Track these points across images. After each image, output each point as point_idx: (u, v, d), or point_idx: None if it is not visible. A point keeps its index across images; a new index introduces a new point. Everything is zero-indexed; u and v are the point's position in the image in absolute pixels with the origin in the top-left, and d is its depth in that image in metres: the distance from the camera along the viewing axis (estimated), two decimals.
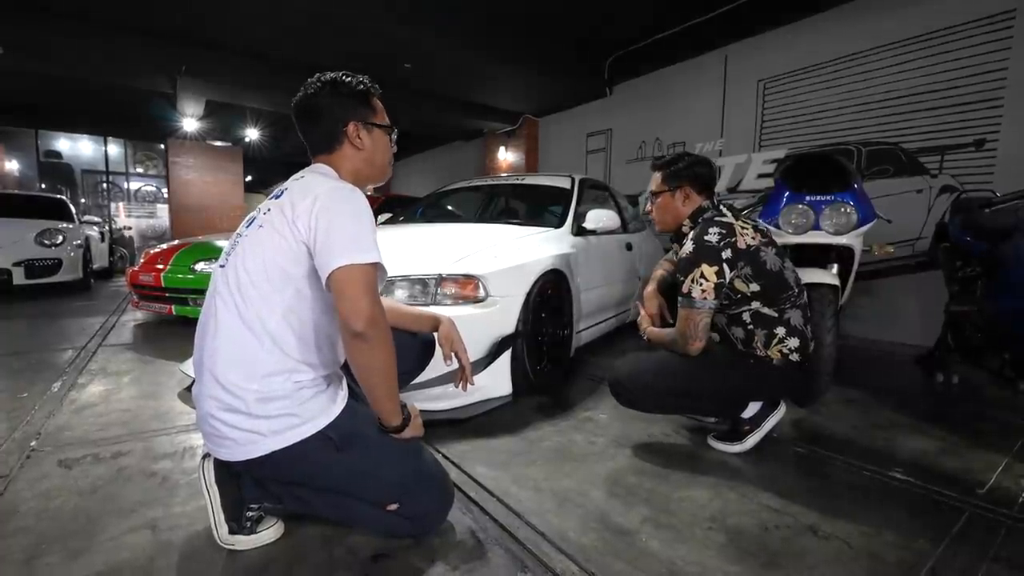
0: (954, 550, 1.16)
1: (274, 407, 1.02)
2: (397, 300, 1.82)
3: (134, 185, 10.43)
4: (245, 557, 1.09)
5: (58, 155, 9.84)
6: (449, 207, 3.73)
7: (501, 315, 1.95)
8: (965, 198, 3.05)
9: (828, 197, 2.15)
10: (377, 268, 1.02)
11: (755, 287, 1.55)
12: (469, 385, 1.43)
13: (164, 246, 3.87)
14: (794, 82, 4.14)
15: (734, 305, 1.60)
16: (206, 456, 1.13)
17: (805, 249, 2.23)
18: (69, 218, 5.81)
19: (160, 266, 3.50)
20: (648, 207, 1.83)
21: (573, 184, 3.08)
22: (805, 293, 1.67)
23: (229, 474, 1.12)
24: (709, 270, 1.52)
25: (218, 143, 9.24)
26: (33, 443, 1.66)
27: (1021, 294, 2.16)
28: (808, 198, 2.18)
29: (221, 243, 3.73)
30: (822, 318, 1.95)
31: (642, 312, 1.89)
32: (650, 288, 1.95)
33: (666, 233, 1.82)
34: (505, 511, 1.30)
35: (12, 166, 9.35)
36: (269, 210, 1.08)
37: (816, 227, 2.16)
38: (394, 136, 1.25)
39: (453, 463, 1.57)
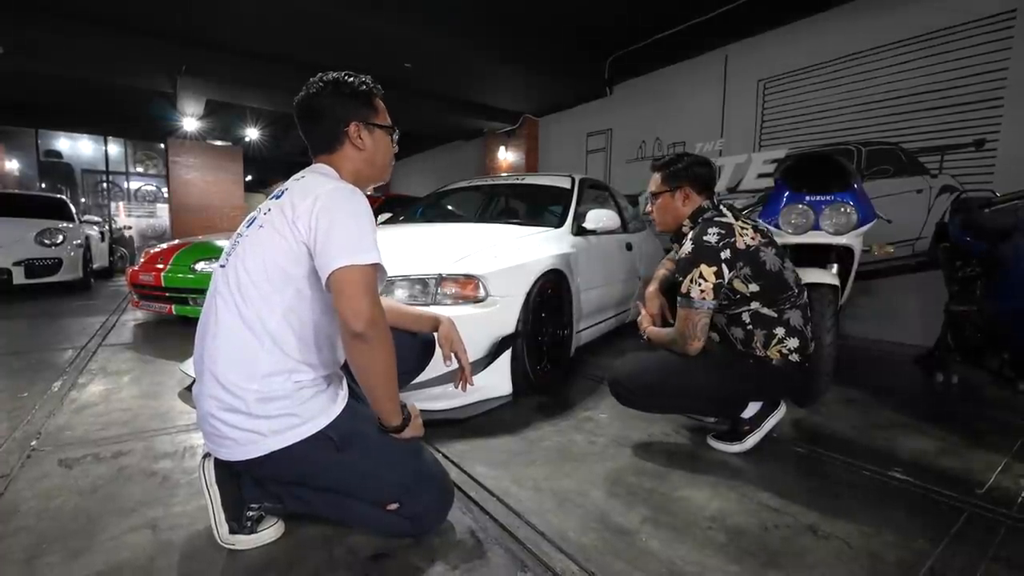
0: (953, 550, 1.16)
1: (274, 407, 1.02)
2: (397, 300, 1.83)
3: (134, 185, 10.44)
4: (245, 557, 1.10)
5: (58, 155, 9.85)
6: (449, 207, 3.73)
7: (501, 315, 1.95)
8: (965, 198, 3.05)
9: (828, 197, 2.15)
10: (377, 269, 1.02)
11: (754, 287, 1.55)
12: (469, 385, 1.43)
13: (164, 246, 3.86)
14: (794, 82, 4.14)
15: (733, 305, 1.60)
16: (206, 456, 1.14)
17: (805, 249, 2.23)
18: (69, 218, 5.81)
19: (160, 266, 3.50)
20: (648, 207, 1.83)
21: (573, 184, 3.08)
22: (805, 293, 1.67)
23: (229, 474, 1.12)
24: (708, 270, 1.52)
25: (218, 143, 9.24)
26: (33, 443, 1.66)
27: (1021, 294, 2.16)
28: (808, 198, 2.18)
29: (221, 243, 3.73)
30: (822, 318, 1.95)
31: (643, 312, 1.89)
32: (651, 288, 1.95)
33: (666, 233, 1.82)
34: (505, 511, 1.30)
35: (12, 165, 9.36)
36: (269, 210, 1.08)
37: (816, 227, 2.16)
38: (395, 136, 1.25)
39: (453, 463, 1.57)
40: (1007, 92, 3.09)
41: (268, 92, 5.82)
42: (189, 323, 3.28)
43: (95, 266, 6.38)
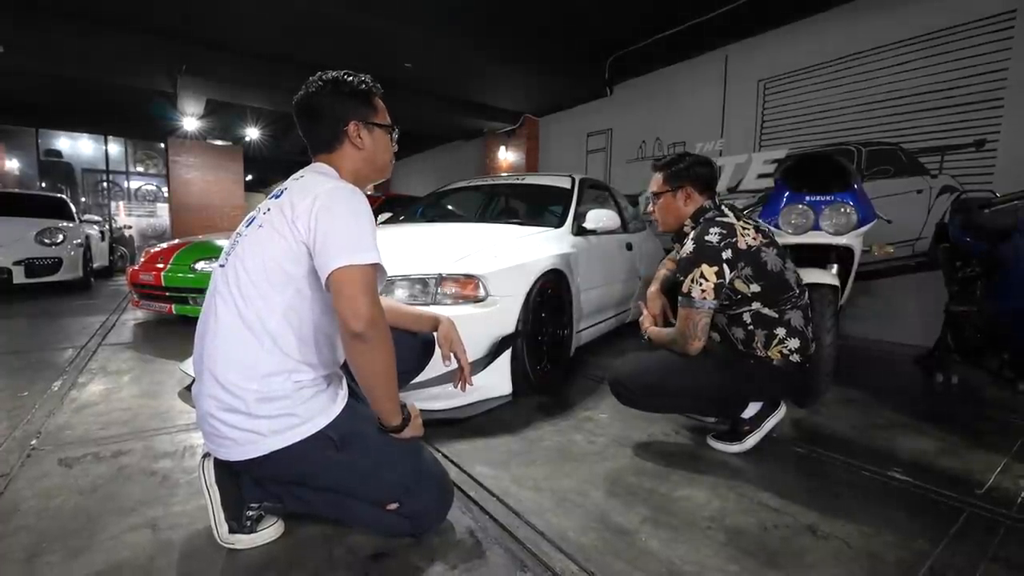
0: (953, 550, 1.16)
1: (274, 407, 1.02)
2: (397, 300, 1.83)
3: (134, 184, 10.44)
4: (245, 556, 1.10)
5: (58, 154, 9.85)
6: (449, 207, 3.73)
7: (501, 315, 1.95)
8: (965, 198, 3.05)
9: (828, 197, 2.15)
10: (376, 269, 1.02)
11: (755, 288, 1.55)
12: (468, 385, 1.43)
13: (164, 245, 3.86)
14: (794, 82, 4.14)
15: (735, 305, 1.60)
16: (206, 455, 1.14)
17: (805, 249, 2.23)
18: (69, 217, 5.81)
19: (160, 265, 3.50)
20: (650, 207, 1.83)
21: (573, 184, 3.08)
22: (806, 294, 1.67)
23: (229, 473, 1.12)
24: (709, 270, 1.52)
25: (218, 142, 9.25)
26: (33, 442, 1.66)
27: (1021, 294, 2.16)
28: (808, 198, 2.18)
29: (221, 242, 3.73)
30: (822, 318, 1.95)
31: (644, 312, 1.89)
32: (653, 288, 1.95)
33: (668, 233, 1.82)
34: (505, 510, 1.30)
35: (12, 165, 9.36)
36: (269, 210, 1.08)
37: (816, 227, 2.16)
38: (395, 136, 1.25)
39: (453, 462, 1.57)
40: (1007, 92, 3.09)
41: (268, 92, 5.82)
42: (189, 323, 3.28)
43: (95, 265, 6.38)
